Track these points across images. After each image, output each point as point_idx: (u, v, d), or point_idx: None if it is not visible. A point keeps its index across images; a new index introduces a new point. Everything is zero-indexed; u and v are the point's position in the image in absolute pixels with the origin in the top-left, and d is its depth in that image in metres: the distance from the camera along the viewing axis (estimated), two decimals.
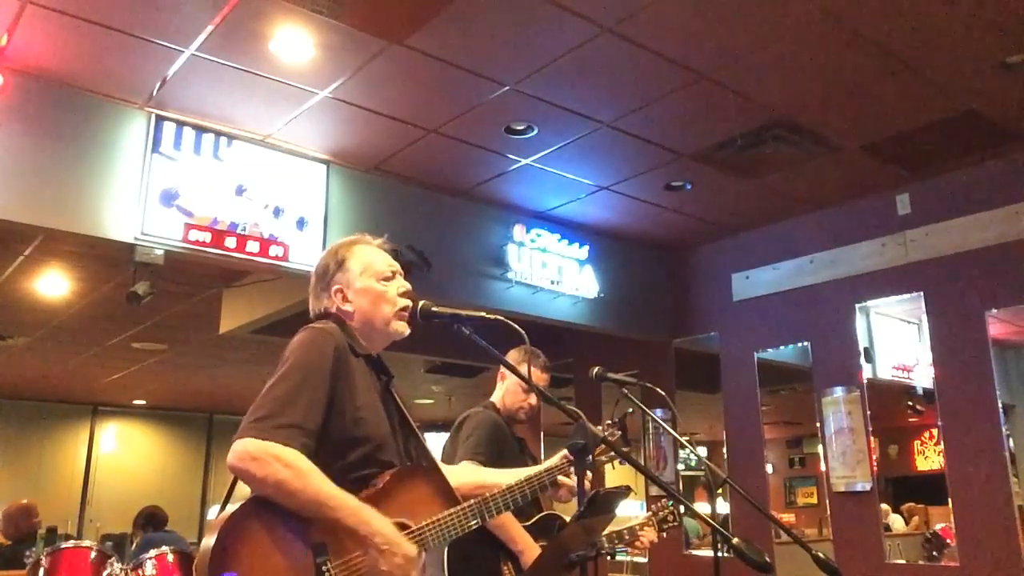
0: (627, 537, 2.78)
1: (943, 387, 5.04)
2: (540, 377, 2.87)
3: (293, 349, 1.76)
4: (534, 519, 2.62)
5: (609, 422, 2.49)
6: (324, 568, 1.56)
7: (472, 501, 1.83)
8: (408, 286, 1.99)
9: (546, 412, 7.10)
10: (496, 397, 2.97)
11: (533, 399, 2.92)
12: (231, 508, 1.57)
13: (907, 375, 6.53)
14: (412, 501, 1.74)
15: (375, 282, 1.94)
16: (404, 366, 8.28)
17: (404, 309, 1.93)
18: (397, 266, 2.01)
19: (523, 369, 2.59)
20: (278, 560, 1.54)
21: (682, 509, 2.90)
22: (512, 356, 2.71)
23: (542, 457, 4.97)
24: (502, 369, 2.94)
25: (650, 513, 2.92)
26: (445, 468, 1.94)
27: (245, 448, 1.57)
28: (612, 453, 2.51)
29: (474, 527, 1.83)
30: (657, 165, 5.07)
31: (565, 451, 2.22)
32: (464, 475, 2.20)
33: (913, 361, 6.47)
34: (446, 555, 2.20)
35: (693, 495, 10.61)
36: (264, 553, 1.54)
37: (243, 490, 1.65)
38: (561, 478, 2.21)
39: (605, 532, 2.72)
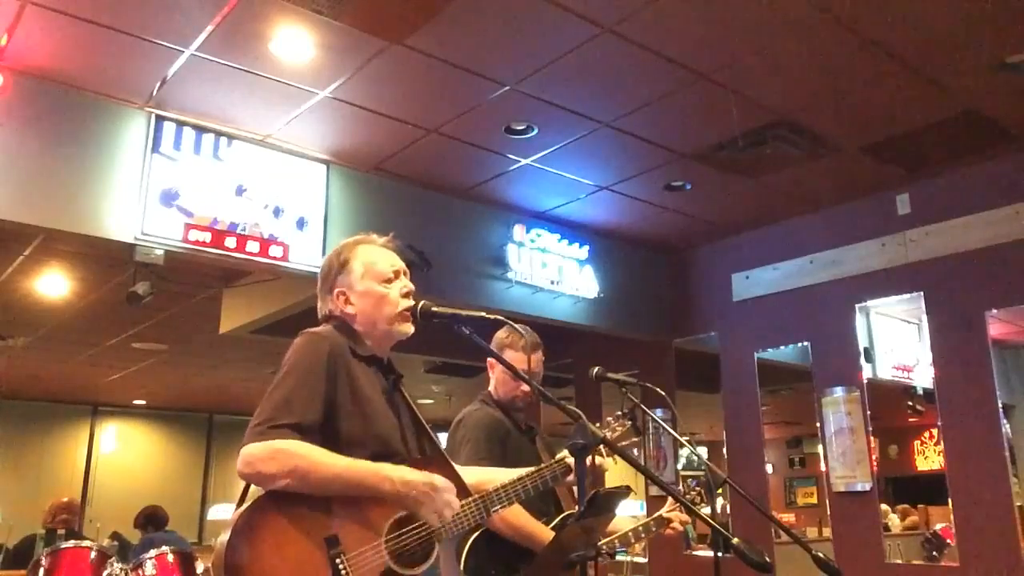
0: (653, 527, 2.69)
1: (943, 387, 5.04)
2: (521, 359, 2.60)
3: (289, 354, 1.80)
4: (555, 521, 2.56)
5: (619, 413, 2.42)
6: (338, 560, 1.58)
7: (478, 495, 1.85)
8: (411, 286, 1.99)
9: (546, 412, 7.09)
10: (491, 387, 2.80)
11: (525, 385, 2.65)
12: (245, 505, 1.61)
13: (907, 375, 6.54)
14: None
15: (376, 284, 1.94)
16: (404, 366, 8.18)
17: (407, 310, 1.93)
18: (401, 265, 2.01)
19: (506, 355, 2.52)
20: (292, 554, 1.57)
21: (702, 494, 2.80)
22: (495, 341, 2.62)
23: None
24: (489, 358, 2.73)
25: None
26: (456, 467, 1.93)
27: (250, 453, 1.62)
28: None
29: (484, 519, 1.85)
30: (657, 165, 5.07)
31: (565, 452, 2.19)
32: (472, 473, 2.16)
33: (913, 361, 6.47)
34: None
35: None
36: (278, 548, 1.57)
37: (257, 488, 1.68)
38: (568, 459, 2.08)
39: (633, 526, 2.66)
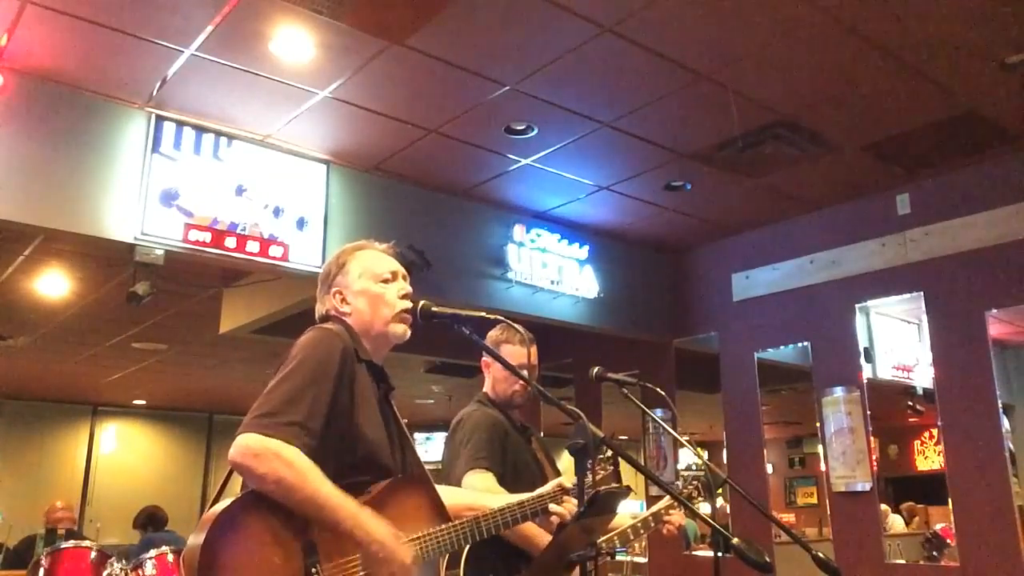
0: (652, 523, 2.66)
1: (943, 387, 5.04)
2: (520, 353, 2.57)
3: (300, 347, 1.76)
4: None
5: (603, 457, 2.38)
6: (314, 569, 1.55)
7: (465, 520, 1.83)
8: (409, 289, 1.97)
9: (546, 412, 7.09)
10: (487, 387, 2.75)
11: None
12: (222, 504, 1.55)
13: (907, 375, 6.53)
14: (403, 512, 1.74)
15: (372, 284, 1.93)
16: (404, 366, 8.27)
17: (404, 311, 1.92)
18: (400, 269, 2.00)
19: (504, 350, 2.52)
20: (267, 558, 1.53)
21: (701, 492, 2.77)
22: (490, 338, 2.61)
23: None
24: (484, 358, 2.72)
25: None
26: (438, 486, 1.92)
27: (247, 444, 1.57)
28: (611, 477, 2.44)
29: (464, 546, 1.83)
30: (657, 165, 5.06)
31: (559, 480, 2.18)
32: (455, 495, 2.12)
33: (913, 361, 6.46)
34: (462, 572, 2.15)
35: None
36: (253, 551, 1.52)
37: (236, 486, 1.64)
38: (552, 507, 2.08)
39: (630, 523, 2.62)
